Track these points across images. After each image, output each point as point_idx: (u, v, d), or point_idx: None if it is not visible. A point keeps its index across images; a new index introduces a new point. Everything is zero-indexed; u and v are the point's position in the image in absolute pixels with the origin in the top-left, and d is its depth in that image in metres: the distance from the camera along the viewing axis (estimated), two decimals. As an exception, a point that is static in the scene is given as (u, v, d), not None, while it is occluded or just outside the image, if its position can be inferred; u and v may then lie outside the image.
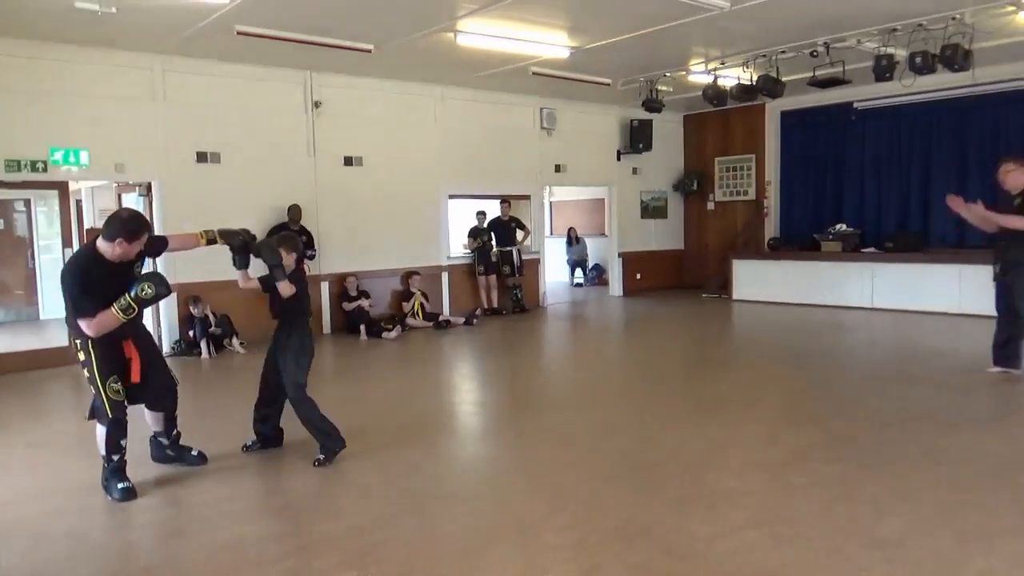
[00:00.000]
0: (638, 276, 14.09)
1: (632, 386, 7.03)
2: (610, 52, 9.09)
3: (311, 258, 9.55)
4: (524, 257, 12.03)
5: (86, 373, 4.17)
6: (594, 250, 16.15)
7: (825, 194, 12.77)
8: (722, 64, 9.87)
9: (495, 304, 11.63)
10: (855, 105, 12.03)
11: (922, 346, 8.42)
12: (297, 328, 4.70)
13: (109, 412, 4.16)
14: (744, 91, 9.93)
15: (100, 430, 4.23)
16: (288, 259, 4.59)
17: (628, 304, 12.94)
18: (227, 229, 4.61)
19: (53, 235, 10.66)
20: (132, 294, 4.01)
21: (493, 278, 11.63)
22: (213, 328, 8.83)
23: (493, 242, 11.63)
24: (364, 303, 10.03)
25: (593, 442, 5.11)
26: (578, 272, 16.14)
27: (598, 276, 15.91)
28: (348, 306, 10.02)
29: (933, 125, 11.47)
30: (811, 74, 9.49)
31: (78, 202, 10.92)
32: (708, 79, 10.23)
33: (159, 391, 4.50)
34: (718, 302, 12.61)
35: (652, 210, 14.36)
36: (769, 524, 3.62)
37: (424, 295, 10.63)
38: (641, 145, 13.43)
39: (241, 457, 4.89)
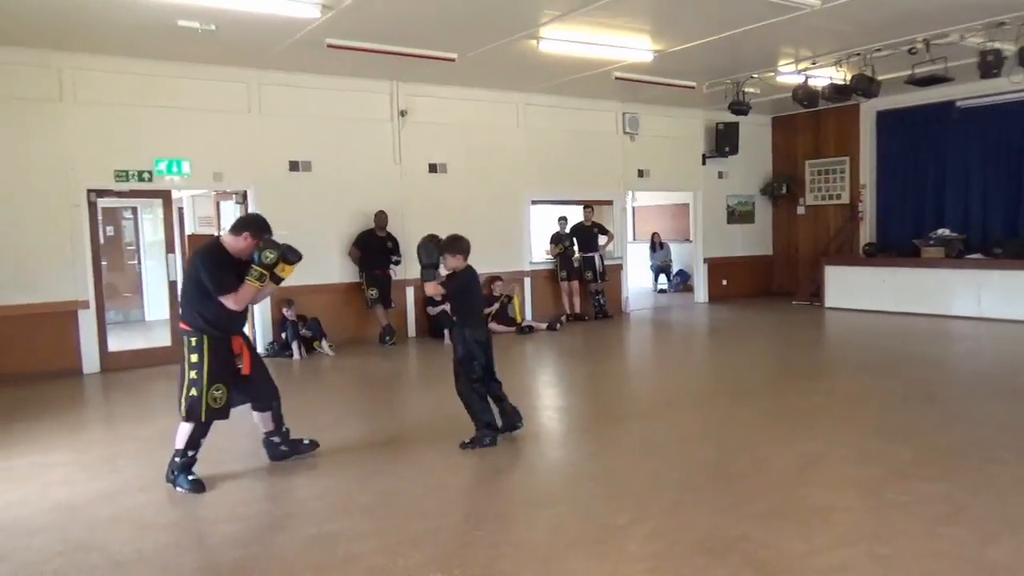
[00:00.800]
0: (724, 282, 13.77)
1: (717, 395, 6.87)
2: (695, 55, 8.93)
3: (396, 263, 9.77)
4: (606, 263, 11.94)
5: (192, 374, 4.35)
6: (678, 256, 15.88)
7: (925, 197, 12.15)
8: (813, 64, 9.54)
9: (577, 310, 11.59)
10: (957, 104, 11.38)
11: (1034, 358, 7.89)
12: (466, 325, 5.11)
13: (203, 416, 4.37)
14: (837, 91, 9.57)
15: (184, 426, 4.43)
16: (453, 261, 5.02)
17: (713, 311, 12.66)
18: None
19: (157, 241, 11.28)
20: (257, 261, 4.32)
21: (575, 284, 11.60)
22: (304, 330, 9.13)
23: (575, 247, 11.60)
24: (448, 307, 10.14)
25: (676, 451, 5.02)
26: (662, 278, 15.89)
27: (682, 282, 15.63)
28: (433, 310, 10.17)
29: (1045, 123, 10.76)
30: (909, 72, 9.05)
31: (180, 210, 11.52)
32: (798, 80, 9.91)
33: (264, 387, 4.71)
34: (809, 309, 12.19)
35: (739, 215, 14.01)
36: (866, 543, 3.46)
37: (509, 298, 10.68)
38: (727, 149, 13.13)
39: (329, 456, 5.03)
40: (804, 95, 9.92)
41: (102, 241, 8.83)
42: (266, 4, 6.65)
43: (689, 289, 14.63)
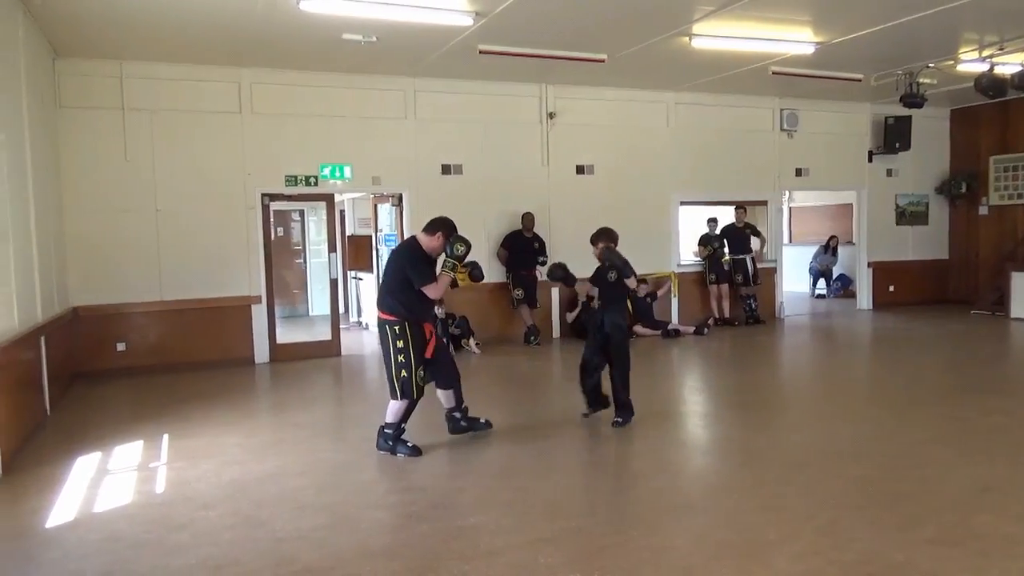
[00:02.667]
0: (891, 288, 12.79)
1: (880, 410, 6.38)
2: (861, 45, 8.35)
3: (543, 264, 9.86)
4: (759, 266, 11.44)
5: (400, 358, 4.90)
6: (838, 259, 14.88)
7: None
8: (1000, 50, 8.64)
9: (727, 314, 11.18)
10: None
11: None
12: (611, 312, 5.76)
13: (415, 393, 4.95)
14: (1029, 79, 8.63)
15: (395, 404, 4.98)
16: (601, 246, 5.68)
17: (878, 319, 11.79)
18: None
19: (320, 241, 12.07)
20: (449, 253, 4.96)
21: (725, 287, 11.19)
22: (453, 328, 9.42)
23: (726, 250, 11.20)
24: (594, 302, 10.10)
25: (832, 467, 4.71)
26: (820, 282, 14.97)
27: (843, 287, 14.64)
28: (570, 316, 10.17)
29: None
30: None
31: (341, 212, 12.26)
32: (982, 68, 9.03)
33: (447, 368, 5.22)
34: (990, 320, 11.07)
35: (909, 215, 12.96)
36: (1055, 581, 3.09)
37: (654, 296, 10.50)
38: (897, 144, 12.19)
39: (473, 451, 5.16)
40: (989, 84, 9.03)
41: (273, 241, 9.55)
42: (423, 14, 6.92)
43: (850, 295, 13.71)
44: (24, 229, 6.03)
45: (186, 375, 8.15)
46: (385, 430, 5.04)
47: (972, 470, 4.54)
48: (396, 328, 4.90)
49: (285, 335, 9.68)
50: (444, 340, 5.26)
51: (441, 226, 5.08)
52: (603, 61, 8.66)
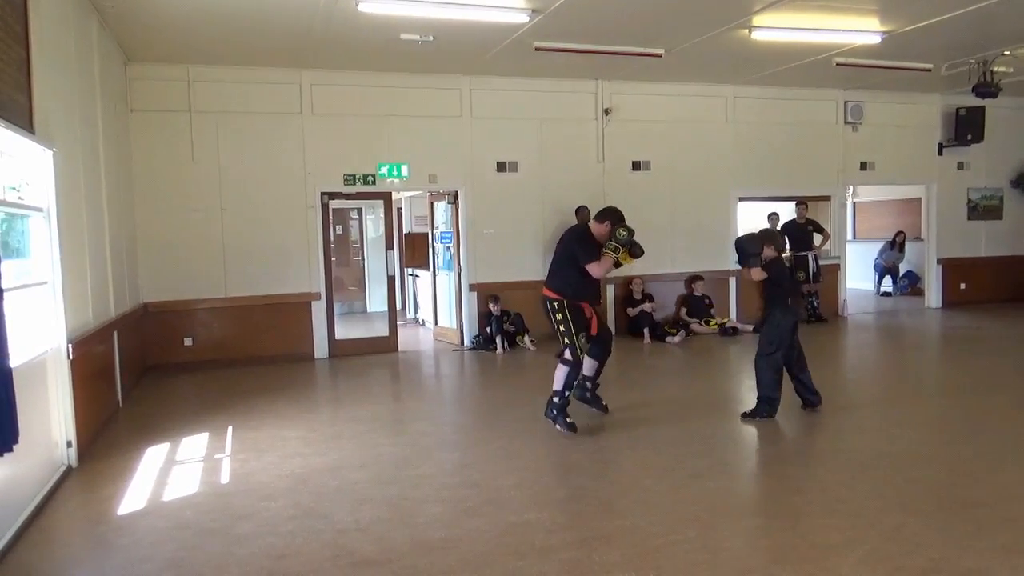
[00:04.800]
0: (962, 286, 12.31)
1: (949, 412, 6.15)
2: (931, 33, 8.03)
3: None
4: (822, 263, 11.13)
5: (562, 328, 5.46)
6: (906, 255, 14.36)
7: None
8: (1083, 34, 8.22)
9: (788, 312, 10.89)
10: None
11: None
12: (777, 308, 5.78)
13: (578, 356, 5.42)
14: (1114, 64, 8.17)
15: (561, 370, 5.45)
16: (768, 251, 5.79)
17: (948, 318, 11.35)
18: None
19: (378, 239, 12.25)
20: (613, 238, 5.41)
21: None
22: (507, 325, 9.45)
23: (786, 246, 10.92)
24: (648, 307, 10.04)
25: (898, 470, 4.56)
26: (886, 280, 14.48)
27: (910, 285, 14.14)
28: (632, 311, 10.10)
29: None
30: None
31: (398, 210, 12.41)
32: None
33: (604, 345, 5.79)
34: (1070, 319, 10.55)
35: (982, 210, 12.43)
36: None
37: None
38: (970, 136, 11.70)
39: (527, 447, 5.17)
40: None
41: (332, 239, 9.74)
42: (480, 12, 6.96)
43: (918, 293, 13.24)
44: (98, 228, 6.29)
45: (249, 369, 8.38)
46: (553, 398, 5.48)
47: (1050, 476, 4.34)
48: (555, 304, 5.48)
49: (344, 331, 9.85)
50: (601, 321, 5.81)
51: (609, 215, 5.56)
52: (660, 56, 8.55)
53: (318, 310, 9.16)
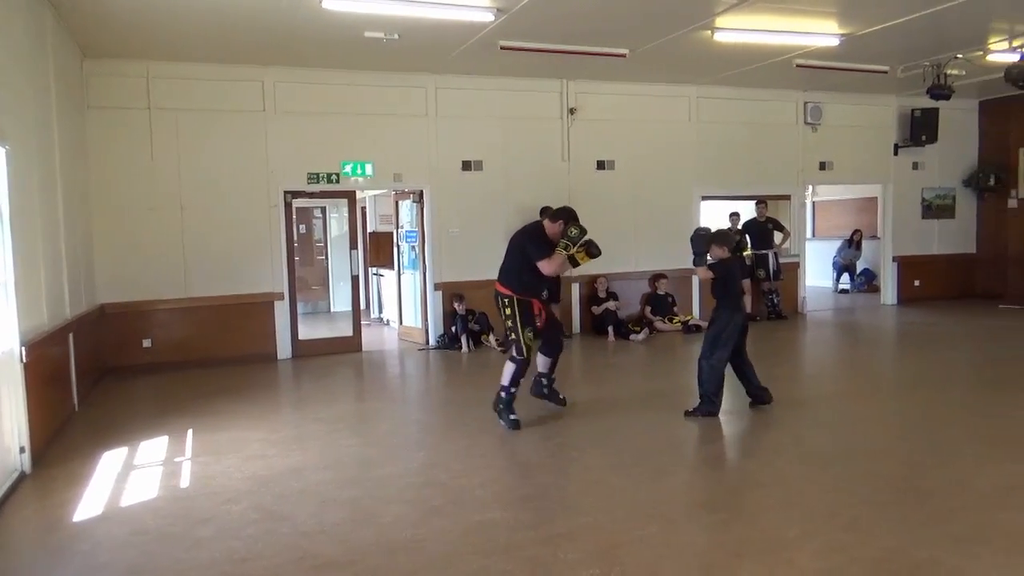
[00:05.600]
0: (916, 283, 12.62)
1: (905, 406, 6.31)
2: (888, 36, 8.23)
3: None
4: (782, 261, 11.33)
5: (509, 323, 5.61)
6: (863, 253, 14.68)
7: None
8: (1031, 39, 8.49)
9: (749, 310, 11.05)
10: None
11: None
12: (725, 308, 5.83)
13: (524, 352, 5.53)
14: (1060, 69, 8.44)
15: (509, 366, 5.59)
16: (718, 251, 5.84)
17: (903, 314, 11.64)
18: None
19: (342, 238, 12.15)
20: (565, 236, 5.51)
21: (747, 283, 11.06)
22: (472, 324, 9.45)
23: (748, 244, 11.10)
24: (612, 305, 10.11)
25: (855, 463, 4.67)
26: (844, 277, 14.78)
27: (867, 282, 14.46)
28: (596, 309, 10.17)
29: None
30: None
31: (362, 209, 12.32)
32: (1012, 58, 8.85)
33: (553, 342, 5.85)
34: (1020, 314, 10.88)
35: (936, 209, 12.76)
36: (1083, 581, 3.04)
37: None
38: (924, 137, 12.00)
39: (492, 446, 5.17)
40: (1020, 75, 8.82)
41: (295, 238, 9.63)
42: (445, 11, 6.94)
43: (874, 290, 13.55)
44: (53, 227, 6.14)
45: (210, 371, 8.25)
46: (500, 392, 5.60)
47: (1000, 467, 4.47)
48: (505, 299, 5.63)
49: (307, 331, 9.76)
50: (550, 317, 5.89)
51: (563, 214, 5.67)
52: (624, 56, 8.62)
53: (281, 310, 9.05)
